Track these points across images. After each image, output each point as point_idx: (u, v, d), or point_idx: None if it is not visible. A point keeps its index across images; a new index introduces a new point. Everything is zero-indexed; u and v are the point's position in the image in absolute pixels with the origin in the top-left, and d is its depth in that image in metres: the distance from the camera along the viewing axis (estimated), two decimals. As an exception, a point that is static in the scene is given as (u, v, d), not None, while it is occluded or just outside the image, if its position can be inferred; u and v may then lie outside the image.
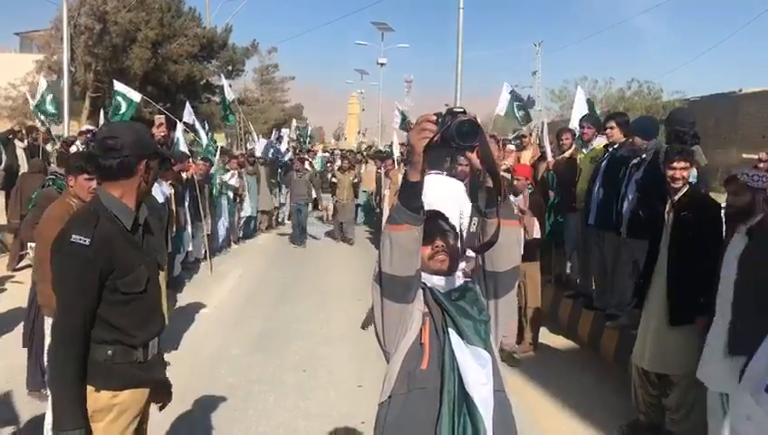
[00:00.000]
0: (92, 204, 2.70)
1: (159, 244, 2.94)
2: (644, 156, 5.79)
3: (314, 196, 16.09)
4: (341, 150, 27.31)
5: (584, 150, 7.72)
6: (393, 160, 14.08)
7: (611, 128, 6.73)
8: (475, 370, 2.08)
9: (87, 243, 2.48)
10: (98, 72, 22.94)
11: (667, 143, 5.46)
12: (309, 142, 29.08)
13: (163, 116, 5.98)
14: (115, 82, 11.93)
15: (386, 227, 2.12)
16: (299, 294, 9.65)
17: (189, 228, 10.02)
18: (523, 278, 6.75)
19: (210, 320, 8.03)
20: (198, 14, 29.68)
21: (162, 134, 6.10)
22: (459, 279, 2.32)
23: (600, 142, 7.51)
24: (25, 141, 11.87)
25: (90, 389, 2.60)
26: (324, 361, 6.59)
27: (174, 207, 8.76)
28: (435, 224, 2.31)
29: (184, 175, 9.81)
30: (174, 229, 8.85)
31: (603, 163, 6.72)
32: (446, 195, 7.35)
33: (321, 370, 6.33)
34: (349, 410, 5.34)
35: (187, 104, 14.05)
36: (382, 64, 51.44)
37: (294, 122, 23.85)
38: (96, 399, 2.62)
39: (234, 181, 13.17)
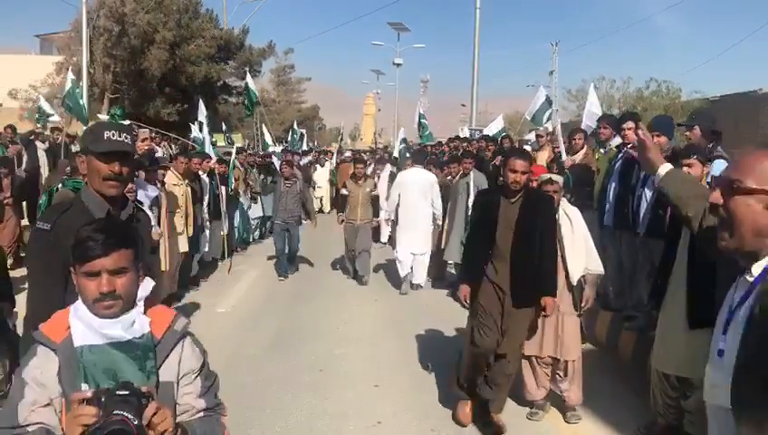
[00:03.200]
0: (75, 196, 2.84)
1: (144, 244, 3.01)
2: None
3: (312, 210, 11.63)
4: (339, 151, 25.82)
5: (602, 150, 7.70)
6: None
7: (629, 128, 6.69)
8: None
9: (48, 228, 2.60)
10: (116, 73, 23.19)
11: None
12: (340, 142, 28.91)
13: (147, 130, 6.12)
14: None
15: None
16: (316, 294, 9.67)
17: (208, 228, 10.10)
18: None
19: (227, 319, 8.09)
20: (216, 16, 29.96)
21: (147, 148, 6.16)
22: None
23: (617, 142, 7.50)
24: (47, 143, 12.00)
25: None
26: (341, 360, 6.61)
27: (189, 207, 8.81)
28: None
29: (202, 174, 9.89)
30: (192, 230, 8.92)
31: (618, 163, 6.68)
32: (419, 182, 9.80)
33: (338, 369, 6.34)
34: (365, 409, 5.36)
35: (201, 103, 14.15)
36: (398, 65, 51.49)
37: (295, 125, 23.16)
38: None
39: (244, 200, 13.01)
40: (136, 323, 1.95)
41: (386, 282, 10.63)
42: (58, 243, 2.55)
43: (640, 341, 6.02)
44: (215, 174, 10.65)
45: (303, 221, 11.02)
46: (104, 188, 2.67)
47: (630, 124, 6.71)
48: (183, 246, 8.60)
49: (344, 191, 10.86)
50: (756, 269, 2.02)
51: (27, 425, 1.83)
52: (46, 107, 13.79)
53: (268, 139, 21.24)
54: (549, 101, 11.71)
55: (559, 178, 5.35)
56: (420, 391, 5.83)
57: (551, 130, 10.13)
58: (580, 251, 5.15)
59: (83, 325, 1.92)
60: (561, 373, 5.16)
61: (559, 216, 5.15)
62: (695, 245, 4.43)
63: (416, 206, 9.76)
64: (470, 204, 8.74)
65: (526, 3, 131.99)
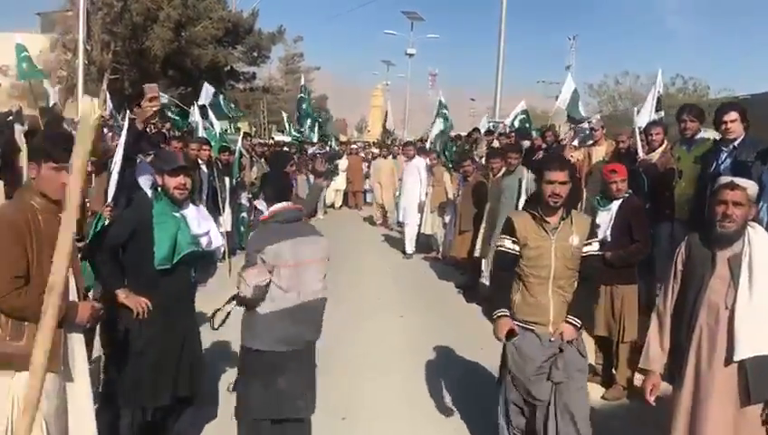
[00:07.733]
0: None
1: None
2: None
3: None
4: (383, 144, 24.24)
5: (684, 148, 6.39)
6: (437, 154, 12.55)
7: (733, 121, 5.43)
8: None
9: None
10: (117, 52, 21.85)
11: None
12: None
13: (156, 84, 4.37)
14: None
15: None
16: (329, 306, 8.32)
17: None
18: (619, 304, 5.42)
19: (227, 328, 6.54)
20: (224, -3, 28.60)
21: (155, 108, 4.43)
22: None
23: (704, 138, 6.25)
24: (26, 125, 10.70)
25: None
26: (367, 401, 5.33)
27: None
28: None
29: (201, 163, 8.58)
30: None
31: (723, 165, 5.39)
32: (415, 166, 12.44)
33: (363, 415, 5.06)
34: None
35: (205, 85, 12.87)
36: (411, 55, 50.19)
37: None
38: None
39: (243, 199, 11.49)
40: None
41: (411, 292, 9.36)
42: None
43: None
44: (214, 164, 9.31)
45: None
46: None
47: (734, 115, 5.44)
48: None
49: (509, 246, 3.99)
50: None
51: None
52: (50, 91, 12.81)
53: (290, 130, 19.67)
54: (576, 91, 10.97)
55: (750, 185, 3.41)
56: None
57: (602, 123, 8.87)
58: (761, 311, 3.21)
59: None
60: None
61: (745, 245, 3.32)
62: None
63: (414, 185, 12.32)
64: (521, 204, 7.23)
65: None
